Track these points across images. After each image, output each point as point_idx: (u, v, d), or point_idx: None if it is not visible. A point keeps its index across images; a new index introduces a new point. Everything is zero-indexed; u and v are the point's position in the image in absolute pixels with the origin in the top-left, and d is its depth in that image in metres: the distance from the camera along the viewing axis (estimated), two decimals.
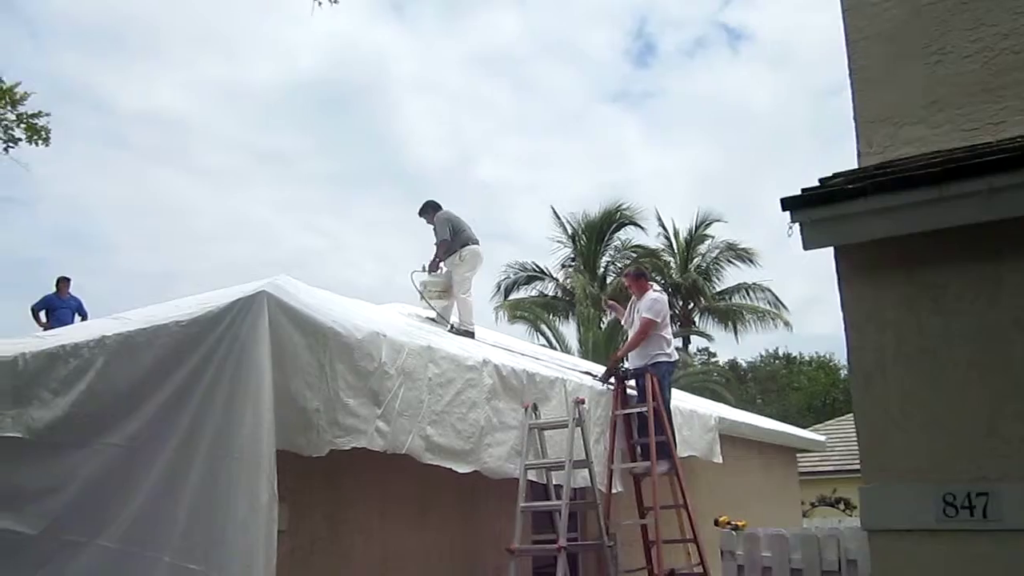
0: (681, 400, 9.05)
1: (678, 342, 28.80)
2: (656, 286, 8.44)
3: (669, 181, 56.82)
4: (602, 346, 19.80)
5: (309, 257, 53.43)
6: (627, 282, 8.42)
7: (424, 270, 8.24)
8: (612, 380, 7.84)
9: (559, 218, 30.26)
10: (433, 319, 8.05)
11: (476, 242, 8.23)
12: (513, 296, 29.86)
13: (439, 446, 5.61)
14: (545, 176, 55.47)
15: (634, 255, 29.61)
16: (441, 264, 8.20)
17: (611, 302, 9.39)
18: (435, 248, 8.23)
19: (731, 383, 31.75)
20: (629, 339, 7.95)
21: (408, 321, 7.37)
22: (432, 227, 8.33)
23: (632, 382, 7.90)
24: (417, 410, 5.46)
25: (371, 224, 56.85)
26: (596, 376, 7.97)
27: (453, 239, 8.15)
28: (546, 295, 29.83)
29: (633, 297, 8.30)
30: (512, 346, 8.51)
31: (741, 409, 14.09)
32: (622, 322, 8.58)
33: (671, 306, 27.97)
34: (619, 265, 28.67)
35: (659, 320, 7.80)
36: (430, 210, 8.39)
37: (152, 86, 42.91)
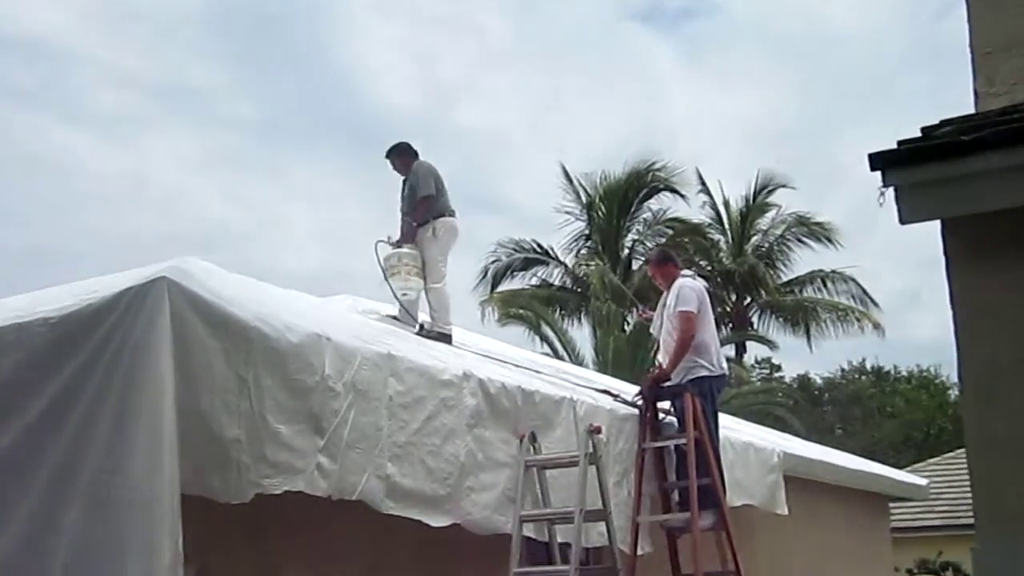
0: (733, 429, 9.09)
1: (728, 350, 28.98)
2: (689, 271, 8.50)
3: (717, 133, 56.40)
4: (625, 355, 19.84)
5: (229, 233, 52.97)
6: (650, 270, 8.51)
7: (389, 241, 8.14)
8: (638, 399, 7.86)
9: (570, 180, 29.76)
10: (396, 317, 8.04)
11: (453, 214, 8.25)
12: (505, 286, 29.81)
13: (404, 490, 5.62)
14: (549, 124, 54.94)
15: (669, 231, 29.54)
16: (420, 231, 8.12)
17: (645, 312, 9.24)
18: (405, 215, 8.13)
19: (801, 406, 31.88)
20: (673, 346, 7.89)
21: (363, 320, 7.34)
22: (405, 180, 8.25)
23: (666, 404, 7.89)
24: (374, 441, 5.48)
25: (314, 190, 56.09)
26: (619, 396, 7.96)
27: (436, 202, 8.14)
28: (550, 285, 29.64)
29: (663, 295, 8.36)
30: (503, 354, 8.52)
31: (814, 442, 14.13)
32: (651, 329, 8.60)
33: (720, 301, 28.18)
34: (649, 245, 28.42)
35: (688, 308, 7.87)
36: (405, 155, 8.30)
37: (17, 4, 42.73)
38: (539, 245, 30.26)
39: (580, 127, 54.27)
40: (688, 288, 7.97)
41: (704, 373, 7.84)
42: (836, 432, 37.38)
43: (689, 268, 9.43)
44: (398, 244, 8.05)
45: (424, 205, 8.07)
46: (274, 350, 4.91)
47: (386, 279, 7.99)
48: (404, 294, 8.03)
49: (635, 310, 14.78)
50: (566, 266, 30.02)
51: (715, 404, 7.94)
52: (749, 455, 8.94)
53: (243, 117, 53.69)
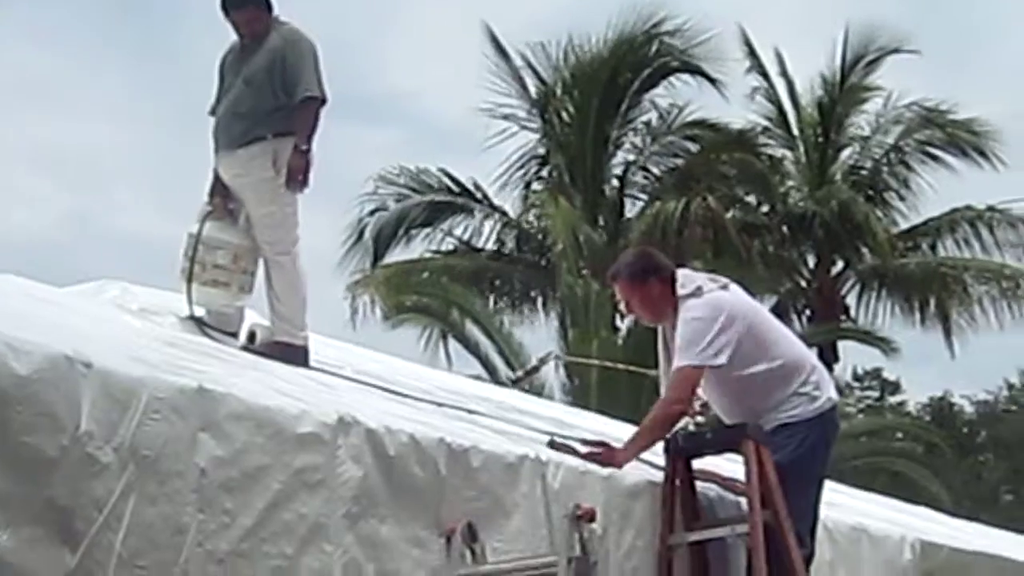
0: (831, 502, 6.92)
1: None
2: (693, 275, 5.98)
3: None
4: (621, 373, 12.09)
5: None
6: (622, 293, 5.98)
7: (209, 207, 6.06)
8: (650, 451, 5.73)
9: (505, 56, 19.28)
10: (202, 321, 6.21)
11: None
12: (395, 256, 19.83)
13: None
14: None
15: (692, 144, 19.37)
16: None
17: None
18: (255, 126, 6.01)
19: (939, 454, 21.34)
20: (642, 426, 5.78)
21: (145, 327, 5.79)
22: (247, 51, 6.12)
23: (705, 459, 5.87)
24: (173, 552, 4.08)
25: (32, 86, 38.96)
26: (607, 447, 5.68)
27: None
28: (478, 250, 19.72)
29: (660, 327, 6.07)
30: (402, 381, 6.70)
31: (967, 517, 10.59)
32: (661, 385, 6.28)
33: (788, 270, 19.80)
34: (656, 171, 19.20)
35: (687, 362, 5.55)
36: (263, 5, 6.15)
37: None
38: (454, 179, 19.61)
39: None
40: (694, 319, 5.61)
41: (803, 412, 5.60)
42: (1003, 498, 25.83)
43: (691, 264, 6.63)
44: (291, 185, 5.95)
45: (313, 115, 6.04)
46: None
47: (187, 277, 6.06)
48: (221, 311, 6.23)
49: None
50: (504, 214, 19.66)
51: (813, 465, 5.77)
52: (861, 548, 7.11)
53: None
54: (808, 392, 5.66)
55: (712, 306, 5.67)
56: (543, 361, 6.38)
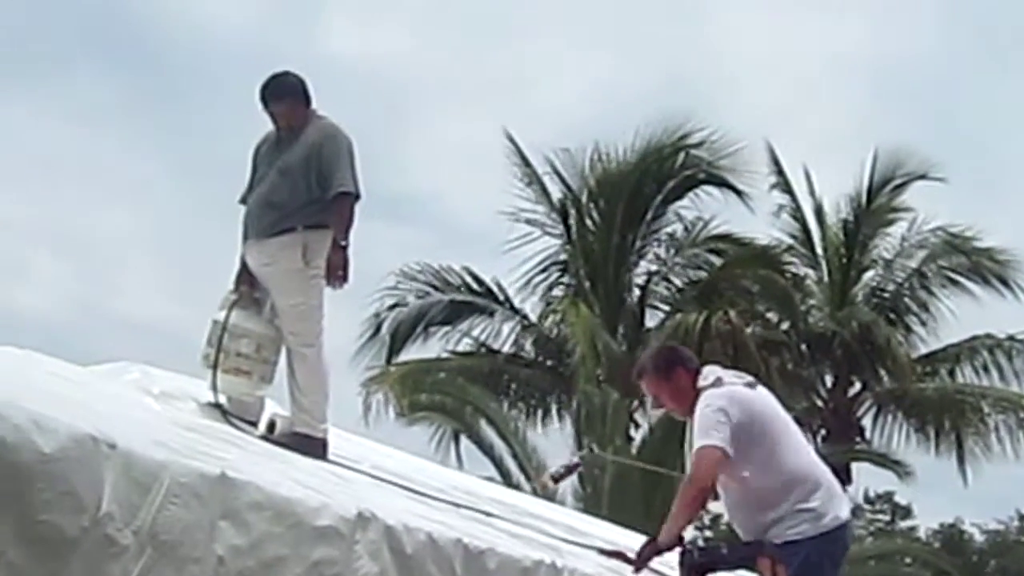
0: None
1: None
2: (734, 379, 5.91)
3: (804, 81, 37.57)
4: (637, 484, 12.89)
5: None
6: (648, 389, 5.97)
7: (235, 295, 5.97)
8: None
9: (526, 163, 19.01)
10: (222, 407, 6.05)
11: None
12: (412, 354, 19.45)
13: None
14: (489, 60, 34.87)
15: (715, 258, 19.21)
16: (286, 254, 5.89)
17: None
18: (288, 216, 5.95)
19: None
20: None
21: (163, 411, 5.69)
22: (283, 143, 6.04)
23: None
24: None
25: (47, 159, 35.60)
26: (640, 561, 5.60)
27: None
28: (494, 352, 19.41)
29: (687, 420, 5.86)
30: (420, 479, 6.55)
31: None
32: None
33: (806, 389, 19.57)
34: (677, 283, 19.03)
35: (706, 443, 5.40)
36: (302, 99, 6.06)
37: None
38: (477, 279, 19.40)
39: (550, 70, 34.71)
40: (707, 406, 5.50)
41: (808, 531, 5.38)
42: None
43: (714, 362, 6.60)
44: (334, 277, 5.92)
45: (349, 211, 5.92)
46: (9, 467, 3.54)
47: (212, 366, 5.92)
48: (241, 399, 6.08)
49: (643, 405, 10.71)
50: (524, 318, 19.39)
51: None
52: None
53: None
54: (813, 508, 5.45)
55: (728, 397, 5.55)
56: (583, 459, 6.23)
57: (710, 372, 5.75)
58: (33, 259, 42.04)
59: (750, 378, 5.84)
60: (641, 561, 5.51)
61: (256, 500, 4.23)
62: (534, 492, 12.05)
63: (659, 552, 5.49)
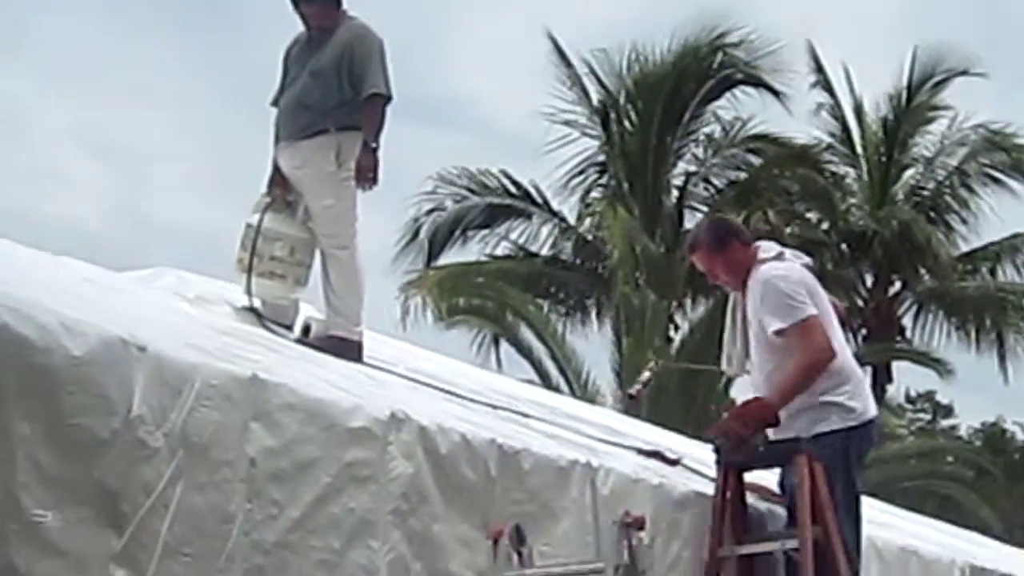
0: (879, 522, 6.91)
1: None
2: (772, 246, 5.92)
3: None
4: (675, 385, 12.95)
5: None
6: (699, 260, 5.91)
7: (268, 198, 5.98)
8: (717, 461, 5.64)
9: (567, 63, 19.11)
10: (257, 311, 6.09)
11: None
12: (450, 258, 19.79)
13: None
14: None
15: (753, 157, 19.29)
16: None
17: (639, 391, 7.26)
18: (323, 115, 5.97)
19: (991, 481, 21.06)
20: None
21: (199, 315, 5.72)
22: (313, 45, 6.08)
23: (757, 473, 5.80)
24: (217, 542, 3.99)
25: (84, 66, 38.12)
26: (680, 460, 5.88)
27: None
28: (533, 255, 19.64)
29: (732, 294, 5.92)
30: (457, 381, 6.58)
31: (1017, 545, 10.49)
32: (723, 364, 6.15)
33: (846, 288, 19.21)
34: (717, 183, 19.06)
35: (808, 312, 5.45)
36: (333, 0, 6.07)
37: None
38: (515, 182, 19.42)
39: None
40: (780, 278, 5.50)
41: (837, 423, 5.47)
42: None
43: (773, 237, 6.64)
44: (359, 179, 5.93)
45: (380, 112, 5.93)
46: (38, 370, 3.52)
47: (248, 269, 5.96)
48: (276, 303, 6.13)
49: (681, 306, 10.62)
50: (563, 220, 19.55)
51: (855, 478, 5.62)
52: (911, 569, 7.04)
53: None
54: (842, 403, 5.53)
55: (798, 273, 5.62)
56: (654, 369, 6.27)
57: (770, 246, 5.80)
58: (72, 164, 42.41)
59: (808, 259, 5.89)
60: (739, 425, 5.56)
61: (288, 402, 4.23)
62: (622, 408, 12.18)
63: (767, 419, 5.55)
